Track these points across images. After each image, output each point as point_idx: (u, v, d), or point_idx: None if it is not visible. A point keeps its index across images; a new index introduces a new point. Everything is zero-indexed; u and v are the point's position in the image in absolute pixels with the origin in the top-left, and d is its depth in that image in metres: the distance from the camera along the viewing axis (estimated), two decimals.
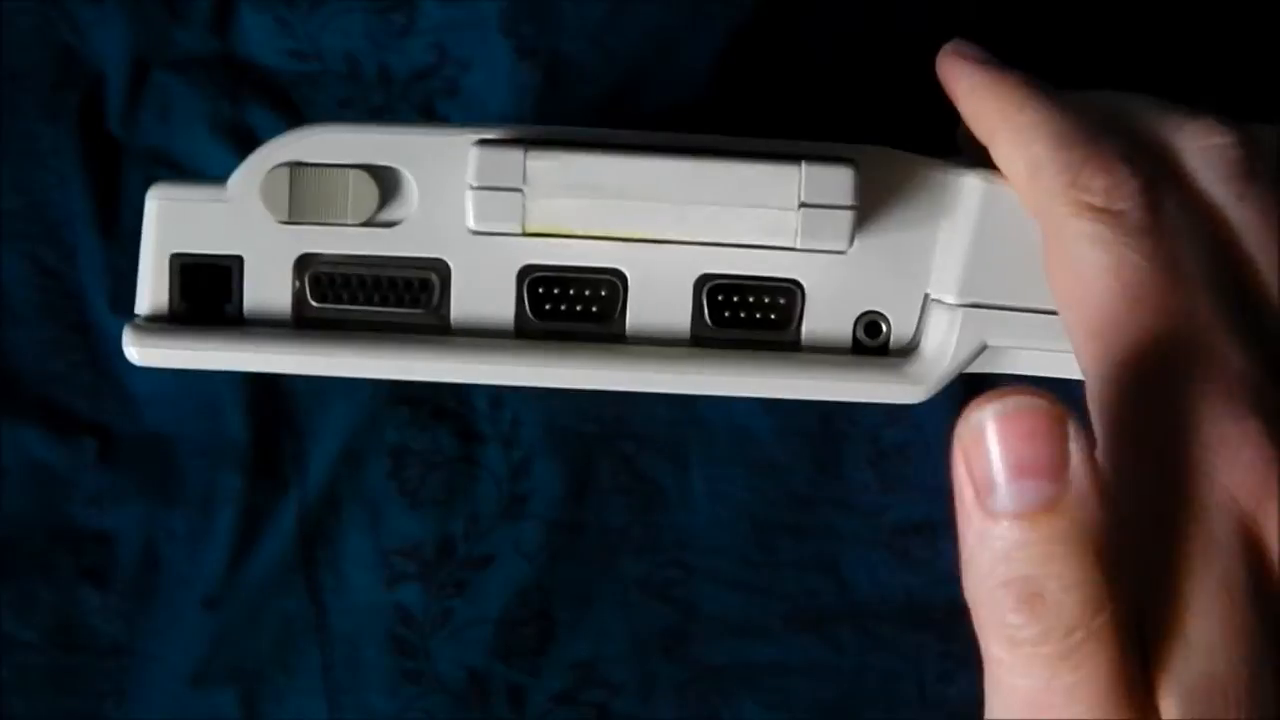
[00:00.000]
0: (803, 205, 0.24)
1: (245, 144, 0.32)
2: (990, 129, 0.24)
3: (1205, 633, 0.20)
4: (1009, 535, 0.19)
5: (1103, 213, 0.22)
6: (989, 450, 0.19)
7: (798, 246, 0.24)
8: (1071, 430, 0.19)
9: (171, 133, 0.35)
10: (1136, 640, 0.19)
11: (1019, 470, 0.19)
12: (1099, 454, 0.21)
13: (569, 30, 0.36)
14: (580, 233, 0.24)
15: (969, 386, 0.35)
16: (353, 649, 0.35)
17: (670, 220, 0.24)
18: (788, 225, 0.24)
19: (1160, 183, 0.22)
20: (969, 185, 0.25)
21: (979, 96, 0.25)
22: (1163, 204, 0.22)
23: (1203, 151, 0.23)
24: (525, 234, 0.24)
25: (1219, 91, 0.32)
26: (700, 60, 0.36)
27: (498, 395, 0.36)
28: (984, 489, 0.19)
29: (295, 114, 0.35)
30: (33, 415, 0.35)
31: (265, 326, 0.25)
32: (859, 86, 0.35)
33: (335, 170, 0.25)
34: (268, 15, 0.36)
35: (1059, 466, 0.18)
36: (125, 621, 0.35)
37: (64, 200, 0.35)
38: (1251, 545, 0.20)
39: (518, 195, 0.24)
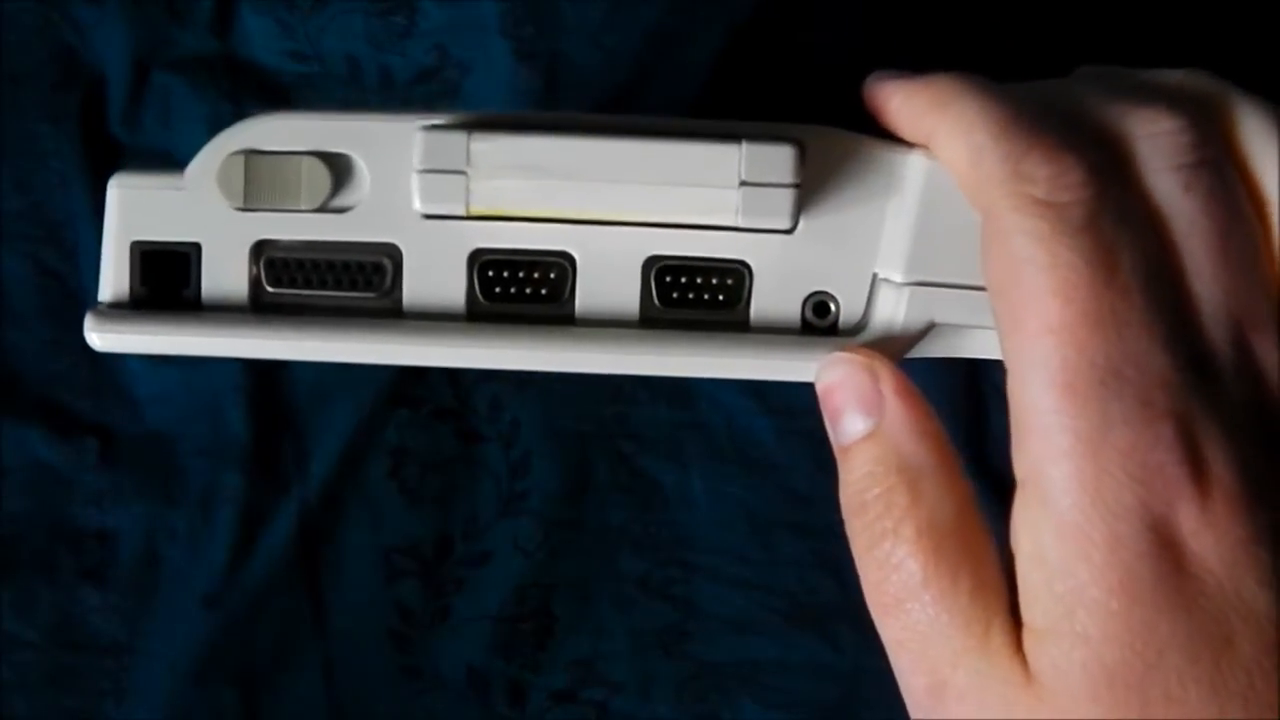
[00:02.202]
0: (743, 184, 0.24)
1: None
2: (929, 126, 0.24)
3: (1101, 626, 0.21)
4: (844, 463, 0.24)
5: (1044, 206, 0.22)
6: (822, 402, 0.24)
7: (739, 225, 0.24)
8: (880, 374, 0.24)
9: (172, 133, 0.35)
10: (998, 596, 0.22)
11: (836, 413, 0.24)
12: (1013, 450, 0.22)
13: (569, 31, 0.36)
14: (524, 213, 0.25)
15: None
16: (353, 647, 0.35)
17: (612, 200, 0.24)
18: (729, 203, 0.24)
19: (1105, 172, 0.22)
20: (914, 163, 0.25)
21: (913, 101, 0.24)
22: (1106, 194, 0.22)
23: (1150, 139, 0.22)
24: (470, 215, 0.25)
25: None
26: (700, 60, 0.36)
27: (497, 396, 0.36)
28: (830, 431, 0.24)
29: None
30: (34, 415, 0.35)
31: (223, 311, 0.25)
32: (859, 87, 0.35)
33: (289, 157, 0.25)
34: (268, 17, 0.36)
35: (869, 404, 0.23)
36: (126, 620, 0.35)
37: (65, 201, 0.36)
38: (1164, 549, 0.21)
39: (461, 177, 0.24)
